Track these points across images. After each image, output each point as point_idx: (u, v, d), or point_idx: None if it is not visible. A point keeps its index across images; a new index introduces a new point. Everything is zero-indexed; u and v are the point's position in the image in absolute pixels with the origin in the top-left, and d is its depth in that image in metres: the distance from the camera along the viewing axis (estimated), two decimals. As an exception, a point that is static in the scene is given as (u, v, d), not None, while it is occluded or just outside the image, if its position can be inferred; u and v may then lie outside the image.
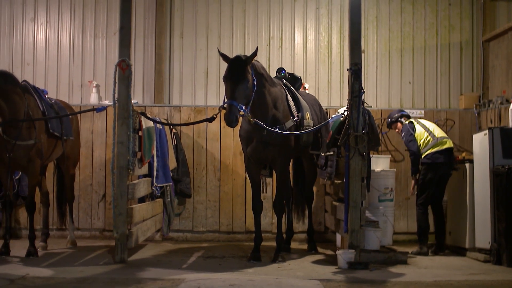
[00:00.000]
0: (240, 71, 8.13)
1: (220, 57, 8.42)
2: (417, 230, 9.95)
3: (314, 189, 10.97)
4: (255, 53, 8.31)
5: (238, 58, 8.29)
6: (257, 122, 8.40)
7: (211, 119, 8.53)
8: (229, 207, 11.33)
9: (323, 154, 9.50)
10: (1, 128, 8.46)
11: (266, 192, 10.29)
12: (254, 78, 8.31)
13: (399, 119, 10.40)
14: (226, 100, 8.11)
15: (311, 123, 9.24)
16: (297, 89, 9.76)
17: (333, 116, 9.05)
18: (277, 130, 8.56)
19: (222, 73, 8.37)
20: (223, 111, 8.17)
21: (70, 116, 9.99)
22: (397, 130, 10.50)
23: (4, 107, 8.50)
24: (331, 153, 9.29)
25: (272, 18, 12.35)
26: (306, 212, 10.39)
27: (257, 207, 8.99)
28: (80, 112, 9.94)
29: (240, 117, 8.31)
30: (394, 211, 10.32)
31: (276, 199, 9.04)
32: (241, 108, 7.98)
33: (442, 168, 9.84)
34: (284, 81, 9.55)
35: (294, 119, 8.91)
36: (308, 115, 9.22)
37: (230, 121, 7.94)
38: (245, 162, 9.21)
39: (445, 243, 10.06)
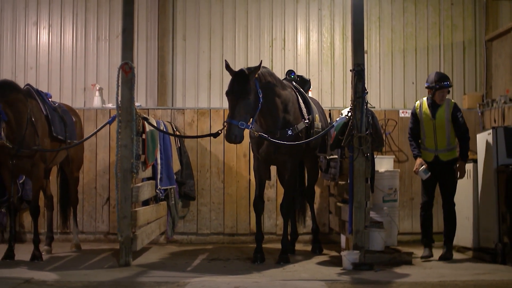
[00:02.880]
0: (241, 87, 8.05)
1: (227, 71, 8.33)
2: (453, 230, 9.39)
3: (318, 190, 11.01)
4: (258, 67, 8.20)
5: (240, 72, 8.19)
6: (261, 135, 8.42)
7: (215, 135, 8.49)
8: (233, 209, 11.32)
9: (328, 157, 9.50)
10: (4, 135, 8.44)
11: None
12: (260, 90, 8.24)
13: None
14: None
15: (319, 125, 9.26)
16: (306, 92, 9.77)
17: (337, 119, 9.05)
18: (289, 131, 8.60)
19: (225, 75, 8.40)
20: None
21: (74, 119, 10.02)
22: (441, 101, 9.41)
23: (10, 116, 8.51)
24: (335, 156, 9.31)
25: (275, 20, 12.36)
26: (308, 212, 10.41)
27: (259, 206, 8.94)
28: (98, 130, 9.61)
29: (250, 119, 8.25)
30: (399, 211, 10.30)
31: (284, 201, 9.00)
32: (242, 125, 7.93)
33: None
34: (294, 83, 9.55)
35: (305, 121, 8.91)
36: (317, 117, 9.24)
37: (230, 140, 7.95)
38: (254, 164, 9.20)
39: None
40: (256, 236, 8.94)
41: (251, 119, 8.21)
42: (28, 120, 8.65)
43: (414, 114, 9.60)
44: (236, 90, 8.06)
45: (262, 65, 8.33)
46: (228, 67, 8.30)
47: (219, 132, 8.43)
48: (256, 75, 8.24)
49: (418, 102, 9.64)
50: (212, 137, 10.75)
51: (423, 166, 9.33)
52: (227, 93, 8.16)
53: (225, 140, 10.98)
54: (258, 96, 8.21)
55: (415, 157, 9.48)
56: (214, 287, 6.95)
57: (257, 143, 8.86)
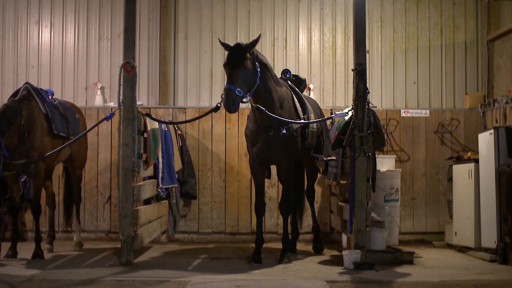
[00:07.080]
0: (238, 57, 8.06)
1: (222, 47, 8.39)
2: None
3: (320, 189, 11.02)
4: (256, 40, 8.23)
5: (237, 44, 8.26)
6: (258, 107, 8.33)
7: (215, 109, 8.38)
8: (235, 208, 11.33)
9: (325, 159, 9.46)
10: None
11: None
12: (257, 65, 8.24)
13: None
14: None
15: (315, 125, 9.23)
16: (301, 91, 9.74)
17: (337, 112, 9.04)
18: (283, 130, 8.54)
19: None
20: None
21: (77, 117, 10.02)
22: None
23: (8, 140, 8.54)
24: (334, 157, 9.30)
25: (277, 19, 12.36)
26: (307, 211, 10.41)
27: (260, 209, 8.94)
28: (96, 125, 9.55)
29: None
30: (400, 211, 10.30)
31: (282, 200, 9.00)
32: (240, 93, 7.88)
33: None
34: (289, 82, 9.54)
35: (301, 120, 8.88)
36: (312, 117, 9.21)
37: (227, 105, 7.83)
38: (249, 163, 9.19)
39: None
40: (256, 238, 8.88)
41: (249, 92, 8.13)
42: (20, 131, 8.62)
43: None
44: (232, 60, 8.07)
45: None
46: (224, 44, 8.37)
47: (218, 105, 8.29)
48: (254, 49, 8.27)
49: None
50: (213, 137, 10.89)
51: None
52: (225, 65, 8.17)
53: (226, 140, 11.17)
54: (256, 70, 8.20)
55: None
56: (215, 286, 6.96)
57: (252, 140, 8.83)
